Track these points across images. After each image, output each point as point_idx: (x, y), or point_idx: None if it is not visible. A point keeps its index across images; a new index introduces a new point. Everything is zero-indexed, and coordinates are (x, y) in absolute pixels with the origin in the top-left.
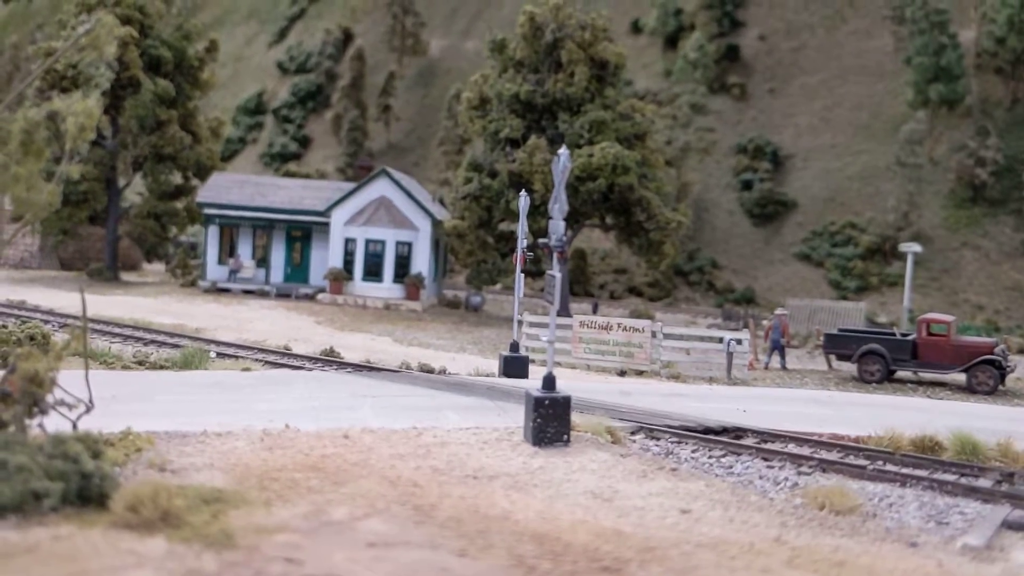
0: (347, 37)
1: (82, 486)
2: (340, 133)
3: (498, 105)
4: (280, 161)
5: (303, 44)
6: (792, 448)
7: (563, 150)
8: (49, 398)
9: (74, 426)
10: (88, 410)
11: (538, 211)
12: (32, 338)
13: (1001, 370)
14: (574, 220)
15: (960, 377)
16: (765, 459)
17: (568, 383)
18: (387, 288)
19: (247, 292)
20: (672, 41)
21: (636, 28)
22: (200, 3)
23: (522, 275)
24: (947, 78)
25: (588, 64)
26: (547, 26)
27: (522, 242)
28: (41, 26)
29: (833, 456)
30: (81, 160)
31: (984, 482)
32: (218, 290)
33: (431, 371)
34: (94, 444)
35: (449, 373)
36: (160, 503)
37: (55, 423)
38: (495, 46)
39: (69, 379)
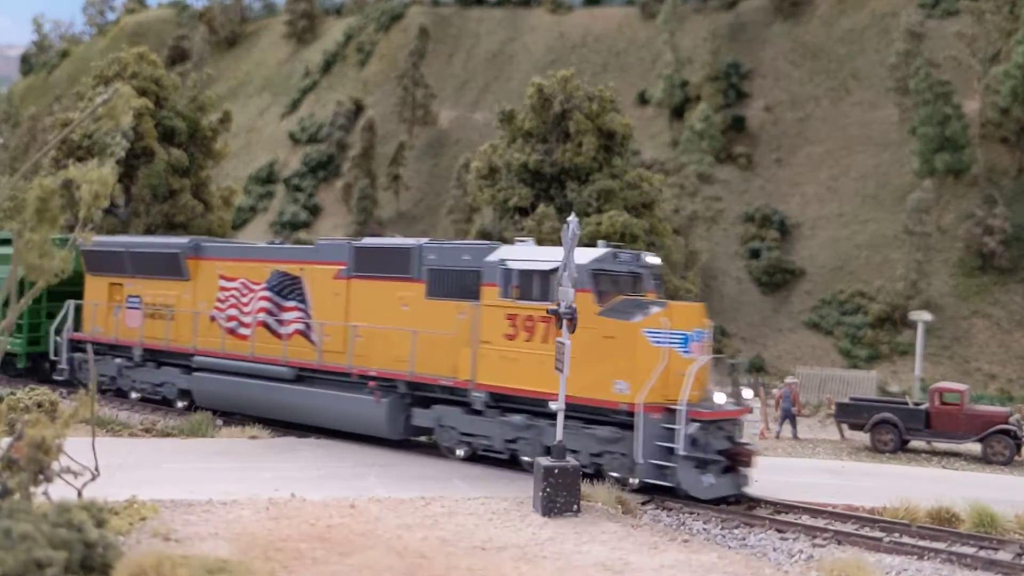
0: (358, 108)
1: (85, 555)
2: (350, 201)
3: (507, 174)
4: (291, 229)
5: (315, 115)
6: (806, 519)
7: (572, 217)
8: (55, 465)
9: (79, 494)
10: (94, 478)
11: None
12: (40, 405)
13: (1016, 440)
14: None
15: (975, 447)
16: (779, 531)
17: None
18: None
19: None
20: (678, 112)
21: (643, 99)
22: (215, 75)
23: None
24: (952, 148)
25: (596, 134)
26: (555, 97)
27: None
28: (59, 98)
29: (848, 528)
30: (94, 228)
31: (1004, 555)
32: None
33: None
34: (98, 512)
35: None
36: (163, 573)
37: (60, 491)
38: (504, 117)
39: (76, 446)
